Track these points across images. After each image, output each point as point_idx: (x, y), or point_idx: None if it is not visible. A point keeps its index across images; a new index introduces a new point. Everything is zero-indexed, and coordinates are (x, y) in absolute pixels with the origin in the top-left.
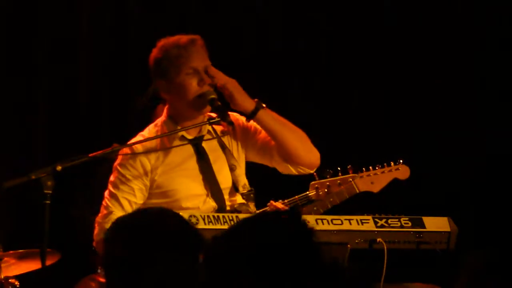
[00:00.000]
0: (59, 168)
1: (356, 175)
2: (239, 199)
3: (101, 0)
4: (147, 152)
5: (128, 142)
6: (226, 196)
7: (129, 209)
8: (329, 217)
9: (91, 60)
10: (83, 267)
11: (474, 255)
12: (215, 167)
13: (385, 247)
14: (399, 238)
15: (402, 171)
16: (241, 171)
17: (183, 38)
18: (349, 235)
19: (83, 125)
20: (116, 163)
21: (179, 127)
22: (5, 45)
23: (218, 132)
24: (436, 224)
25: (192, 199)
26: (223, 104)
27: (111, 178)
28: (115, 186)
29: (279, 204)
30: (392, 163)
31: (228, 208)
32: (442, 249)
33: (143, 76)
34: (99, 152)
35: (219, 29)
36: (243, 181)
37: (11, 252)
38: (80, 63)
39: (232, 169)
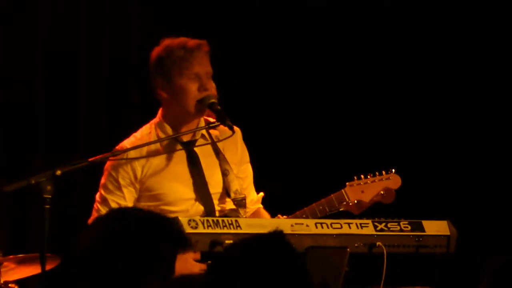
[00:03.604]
0: (58, 172)
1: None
2: (230, 204)
3: (100, 9)
4: (140, 158)
5: (121, 144)
6: (216, 201)
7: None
8: (328, 221)
9: (90, 64)
10: None
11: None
12: (207, 172)
13: (385, 251)
14: (399, 242)
15: (393, 181)
16: (234, 177)
17: (190, 42)
18: (349, 239)
19: (82, 130)
20: (106, 166)
21: (170, 129)
22: (4, 49)
23: (213, 137)
24: (435, 227)
25: (181, 203)
26: (222, 108)
27: (102, 180)
28: (106, 189)
29: None
30: (383, 172)
31: (217, 213)
32: (441, 253)
33: (143, 80)
34: (99, 156)
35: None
36: (235, 187)
37: (11, 256)
38: (79, 66)
39: (224, 174)
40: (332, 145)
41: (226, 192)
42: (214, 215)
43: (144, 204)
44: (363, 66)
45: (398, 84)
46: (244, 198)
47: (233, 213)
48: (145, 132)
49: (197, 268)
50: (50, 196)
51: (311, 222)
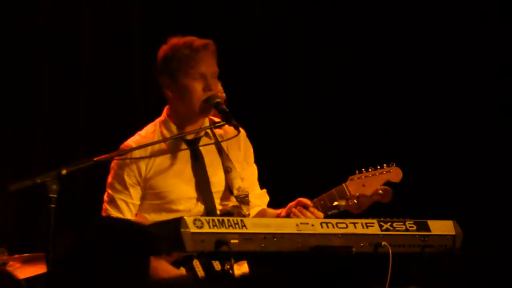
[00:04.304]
0: (64, 172)
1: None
2: (233, 202)
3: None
4: (145, 157)
5: (126, 142)
6: (217, 200)
7: (126, 210)
8: (334, 221)
9: (92, 62)
10: None
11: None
12: (210, 170)
13: (390, 251)
14: (404, 242)
15: (394, 173)
16: (236, 174)
17: (197, 41)
18: (354, 238)
19: (86, 129)
20: (112, 164)
21: (175, 127)
22: (6, 48)
23: (217, 135)
24: (441, 227)
25: (184, 202)
26: (228, 108)
27: (109, 179)
28: (113, 188)
29: (307, 201)
30: (384, 165)
31: (218, 212)
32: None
33: (146, 78)
34: (104, 156)
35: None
36: (238, 184)
37: (16, 256)
38: (81, 65)
39: (227, 171)
40: (334, 144)
41: (229, 190)
42: (215, 214)
43: (149, 203)
44: (366, 64)
45: (403, 82)
46: (247, 195)
47: (236, 209)
48: (150, 131)
49: (174, 272)
50: (55, 195)
51: (316, 221)
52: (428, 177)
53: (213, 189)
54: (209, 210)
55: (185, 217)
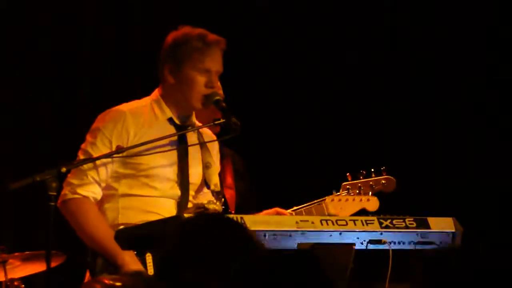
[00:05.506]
0: (63, 170)
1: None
2: (208, 197)
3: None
4: (140, 145)
5: (118, 107)
6: (192, 192)
7: (103, 169)
8: (333, 218)
9: (92, 61)
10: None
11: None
12: (190, 161)
13: (390, 248)
14: (404, 239)
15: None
16: (215, 170)
17: (210, 36)
18: (354, 235)
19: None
20: (99, 125)
21: (167, 108)
22: (8, 47)
23: (201, 131)
24: (441, 224)
25: (162, 181)
26: (228, 107)
27: (89, 139)
28: (93, 146)
29: (284, 211)
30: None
31: (190, 204)
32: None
33: (145, 77)
34: (104, 154)
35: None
36: (215, 180)
37: (16, 254)
38: (81, 64)
39: (207, 166)
40: (334, 142)
41: (205, 184)
42: (187, 204)
43: (121, 171)
44: (365, 62)
45: (403, 79)
46: (221, 192)
47: (212, 205)
48: (142, 104)
49: (138, 266)
50: (55, 193)
51: (316, 219)
52: (428, 175)
53: (190, 180)
54: (184, 198)
55: (184, 216)
